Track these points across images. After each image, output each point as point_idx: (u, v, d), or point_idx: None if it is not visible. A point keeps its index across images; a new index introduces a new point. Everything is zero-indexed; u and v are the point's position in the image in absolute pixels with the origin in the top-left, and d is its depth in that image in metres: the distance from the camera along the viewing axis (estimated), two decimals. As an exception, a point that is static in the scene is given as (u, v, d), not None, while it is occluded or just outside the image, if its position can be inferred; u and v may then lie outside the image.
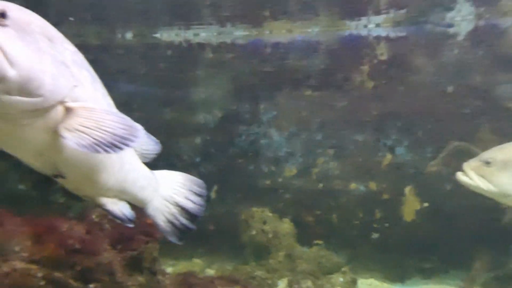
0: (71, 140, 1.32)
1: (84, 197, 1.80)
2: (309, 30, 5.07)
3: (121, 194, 1.85)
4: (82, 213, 2.64)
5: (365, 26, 4.90)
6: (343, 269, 4.92)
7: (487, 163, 3.17)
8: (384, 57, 4.92)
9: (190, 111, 5.28)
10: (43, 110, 1.33)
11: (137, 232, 2.59)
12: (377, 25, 4.87)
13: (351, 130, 5.13)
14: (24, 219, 2.30)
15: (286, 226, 4.98)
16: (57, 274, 2.18)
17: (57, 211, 5.10)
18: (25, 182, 5.19)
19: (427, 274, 4.97)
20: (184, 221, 1.99)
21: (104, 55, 5.20)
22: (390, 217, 5.05)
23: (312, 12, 4.99)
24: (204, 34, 5.23)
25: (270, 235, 4.84)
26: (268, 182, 5.27)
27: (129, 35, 5.29)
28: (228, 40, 5.20)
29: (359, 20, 4.90)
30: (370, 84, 5.00)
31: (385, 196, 5.07)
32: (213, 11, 5.14)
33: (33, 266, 2.15)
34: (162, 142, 2.07)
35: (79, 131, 1.33)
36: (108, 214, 1.79)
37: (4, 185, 5.13)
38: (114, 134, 1.32)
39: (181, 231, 2.00)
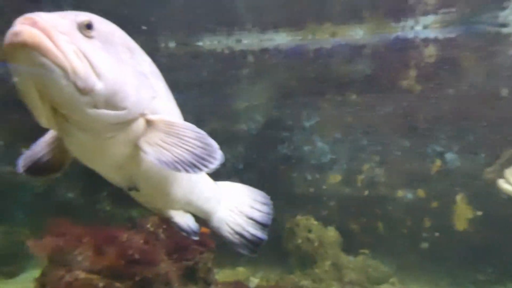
0: (152, 155, 1.30)
1: (152, 209, 1.78)
2: (353, 33, 4.96)
3: (187, 206, 1.82)
4: (136, 222, 2.64)
5: (412, 28, 4.75)
6: (391, 279, 4.77)
7: None
8: (432, 60, 4.75)
9: (233, 118, 5.27)
10: (125, 123, 1.32)
11: (192, 242, 2.57)
12: (425, 27, 4.71)
13: (397, 136, 4.98)
14: (84, 229, 2.32)
15: (331, 234, 4.87)
16: (117, 284, 2.18)
17: (103, 218, 5.19)
18: (74, 191, 5.30)
19: (481, 286, 4.73)
20: (253, 231, 1.93)
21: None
22: (440, 226, 4.85)
23: (356, 15, 4.88)
24: (246, 41, 5.22)
25: (316, 244, 4.74)
26: (312, 189, 5.18)
27: (172, 44, 5.34)
28: (271, 46, 5.17)
29: (406, 21, 4.76)
30: (418, 88, 4.84)
31: (434, 204, 4.88)
32: (255, 17, 5.12)
33: (95, 276, 2.16)
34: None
35: (159, 146, 1.31)
36: (174, 226, 1.76)
37: (53, 193, 5.26)
38: (194, 154, 1.29)
39: (251, 242, 1.94)
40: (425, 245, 4.90)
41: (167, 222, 1.84)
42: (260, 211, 1.99)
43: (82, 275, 2.12)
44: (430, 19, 4.67)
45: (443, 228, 4.83)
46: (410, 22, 4.74)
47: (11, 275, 4.74)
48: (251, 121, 5.26)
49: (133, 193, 1.62)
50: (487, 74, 4.63)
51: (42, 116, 1.22)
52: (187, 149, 1.29)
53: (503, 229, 4.53)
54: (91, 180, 5.54)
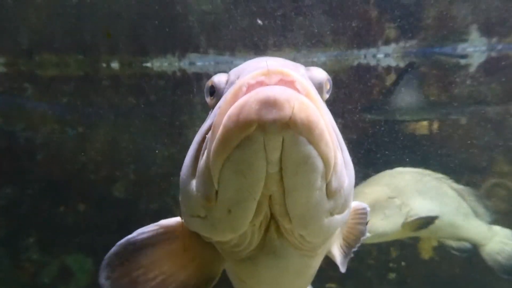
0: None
1: None
2: (315, 59, 4.79)
3: None
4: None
5: (374, 56, 4.72)
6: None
7: None
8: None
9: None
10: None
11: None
12: (387, 55, 4.70)
13: (359, 166, 4.87)
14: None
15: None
16: None
17: (30, 269, 4.34)
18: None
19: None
20: None
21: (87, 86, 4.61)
22: (406, 255, 4.79)
23: (319, 41, 4.72)
24: (201, 63, 4.79)
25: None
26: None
27: (115, 65, 4.72)
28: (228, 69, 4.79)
29: (368, 50, 4.71)
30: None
31: (400, 233, 4.81)
32: (211, 39, 4.73)
33: None
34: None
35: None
36: None
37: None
38: None
39: None
40: (392, 275, 4.79)
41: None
42: None
43: None
44: (391, 48, 4.67)
45: (409, 257, 4.78)
46: (372, 50, 4.69)
47: None
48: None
49: None
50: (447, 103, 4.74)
51: (240, 229, 0.77)
52: None
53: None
54: (14, 224, 4.61)
